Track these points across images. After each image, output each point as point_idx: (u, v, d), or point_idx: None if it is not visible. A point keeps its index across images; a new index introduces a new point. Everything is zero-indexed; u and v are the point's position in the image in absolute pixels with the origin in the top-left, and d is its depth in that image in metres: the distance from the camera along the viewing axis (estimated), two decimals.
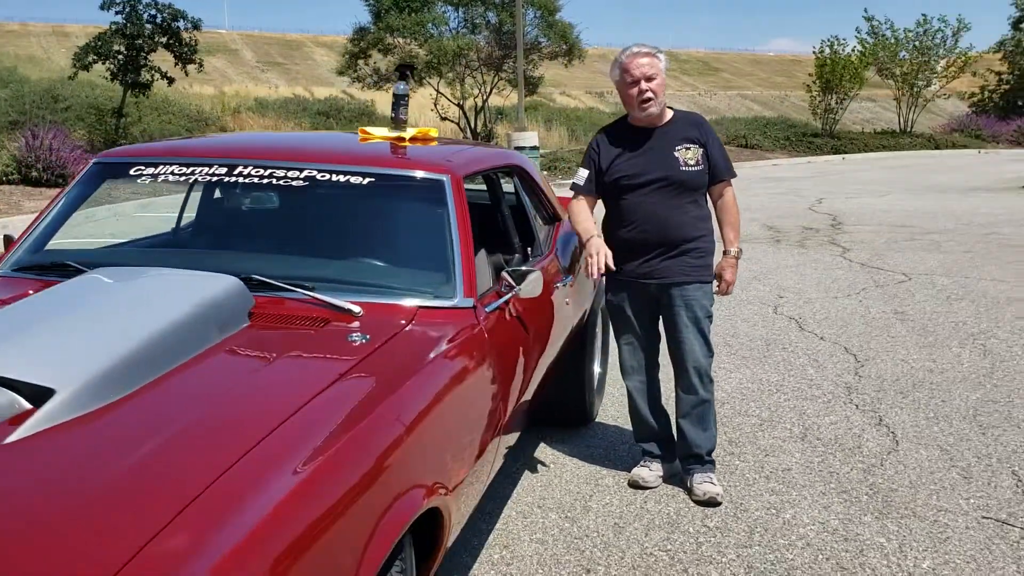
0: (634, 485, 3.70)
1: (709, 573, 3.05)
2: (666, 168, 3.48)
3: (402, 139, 3.41)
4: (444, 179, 3.01)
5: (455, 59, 21.10)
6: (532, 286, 2.90)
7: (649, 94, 3.44)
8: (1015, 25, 37.22)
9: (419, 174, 3.08)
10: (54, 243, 3.11)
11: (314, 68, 48.45)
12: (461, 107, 21.49)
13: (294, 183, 2.96)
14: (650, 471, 3.72)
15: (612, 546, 3.24)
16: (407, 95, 3.47)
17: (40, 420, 1.80)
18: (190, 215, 3.68)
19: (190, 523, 1.51)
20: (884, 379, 5.13)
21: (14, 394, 1.86)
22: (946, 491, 3.67)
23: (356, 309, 2.53)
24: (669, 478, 3.75)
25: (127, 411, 1.93)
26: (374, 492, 1.85)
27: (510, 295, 2.89)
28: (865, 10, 29.95)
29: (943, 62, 30.33)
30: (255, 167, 3.02)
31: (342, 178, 2.97)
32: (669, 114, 3.58)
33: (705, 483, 3.57)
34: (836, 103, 28.58)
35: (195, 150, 3.40)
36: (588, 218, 3.57)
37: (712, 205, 3.65)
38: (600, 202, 3.67)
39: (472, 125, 22.46)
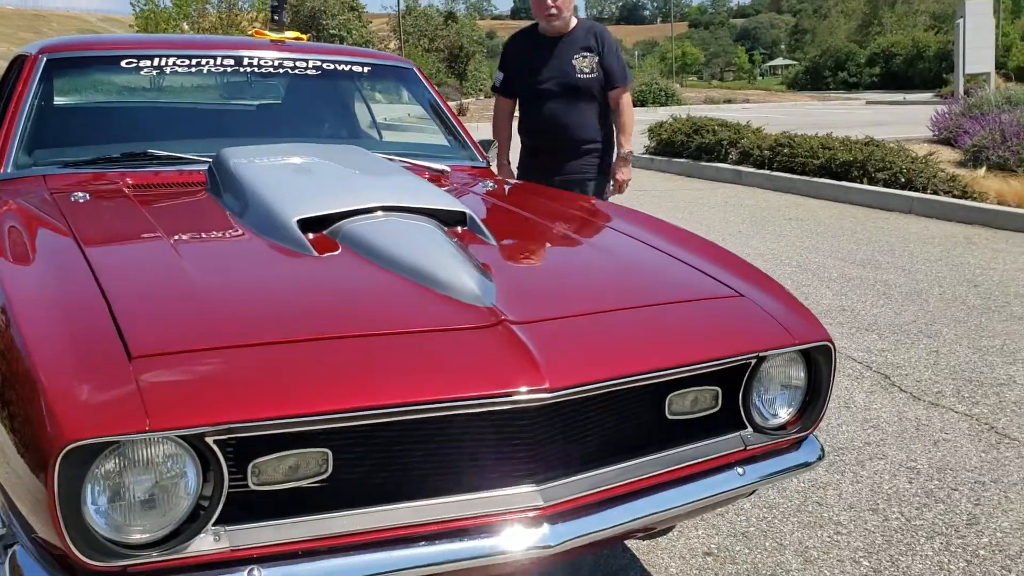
0: None
1: None
2: (563, 75, 3.80)
3: (300, 38, 3.51)
4: (412, 67, 3.55)
5: None
6: (493, 153, 3.42)
7: (554, 9, 3.77)
8: None
9: (400, 64, 3.59)
10: None
11: None
12: None
13: (308, 72, 3.15)
14: None
15: None
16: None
17: (481, 232, 2.12)
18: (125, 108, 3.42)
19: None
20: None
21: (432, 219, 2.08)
22: None
23: (447, 169, 2.96)
24: None
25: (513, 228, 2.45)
26: None
27: (486, 163, 3.30)
28: None
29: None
30: (262, 58, 3.08)
31: (345, 68, 3.25)
32: (573, 22, 3.87)
33: None
34: None
35: (169, 43, 3.28)
36: (506, 137, 4.05)
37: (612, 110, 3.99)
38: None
39: None
